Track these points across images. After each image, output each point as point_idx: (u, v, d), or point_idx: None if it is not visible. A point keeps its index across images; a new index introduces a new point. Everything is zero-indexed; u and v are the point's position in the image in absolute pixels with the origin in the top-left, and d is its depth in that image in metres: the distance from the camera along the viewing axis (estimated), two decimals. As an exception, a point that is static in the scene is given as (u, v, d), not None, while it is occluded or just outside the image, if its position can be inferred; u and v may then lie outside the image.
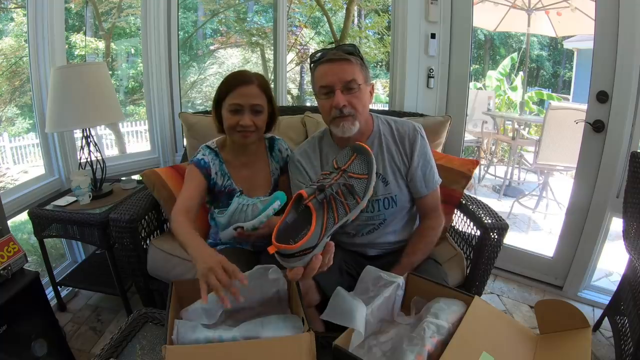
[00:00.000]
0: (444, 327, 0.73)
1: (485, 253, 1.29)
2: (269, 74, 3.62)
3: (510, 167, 3.66)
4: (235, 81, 1.16)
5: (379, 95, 4.95)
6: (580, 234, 1.83)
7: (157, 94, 2.14)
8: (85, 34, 3.80)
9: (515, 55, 4.84)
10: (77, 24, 3.83)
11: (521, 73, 4.82)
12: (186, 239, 0.97)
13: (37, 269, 1.97)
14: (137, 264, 1.42)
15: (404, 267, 1.07)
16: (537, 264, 2.01)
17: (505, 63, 4.78)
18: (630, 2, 1.52)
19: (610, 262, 2.04)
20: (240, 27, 4.72)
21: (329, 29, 4.75)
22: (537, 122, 3.88)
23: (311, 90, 1.17)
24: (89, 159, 1.71)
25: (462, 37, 2.00)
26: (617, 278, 1.87)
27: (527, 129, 3.99)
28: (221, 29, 4.68)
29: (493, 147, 4.33)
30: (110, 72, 2.83)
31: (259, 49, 4.59)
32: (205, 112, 1.88)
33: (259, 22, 4.77)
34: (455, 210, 1.54)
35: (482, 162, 4.06)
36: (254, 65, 4.65)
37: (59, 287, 1.79)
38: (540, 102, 4.76)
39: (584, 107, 1.81)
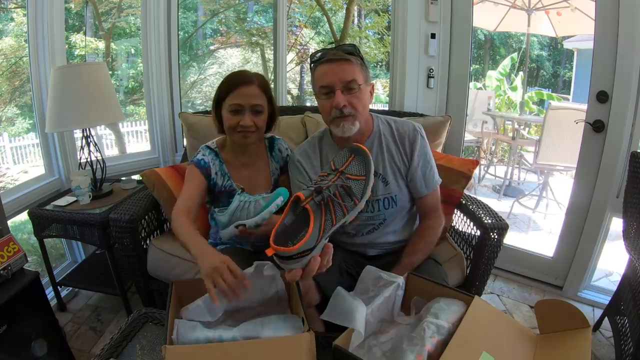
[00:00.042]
0: (444, 327, 0.73)
1: (485, 253, 1.29)
2: (269, 74, 3.62)
3: (510, 167, 3.66)
4: (235, 81, 1.16)
5: (379, 95, 4.95)
6: (580, 234, 1.83)
7: (157, 94, 2.14)
8: (85, 34, 3.80)
9: (515, 55, 4.84)
10: (77, 24, 3.83)
11: (521, 73, 4.82)
12: (188, 239, 0.98)
13: (37, 269, 1.97)
14: (137, 264, 1.42)
15: (404, 267, 1.07)
16: (537, 264, 2.01)
17: (505, 63, 4.78)
18: (630, 2, 1.52)
19: (610, 262, 2.04)
20: (240, 27, 4.72)
21: (329, 29, 4.75)
22: (537, 122, 3.88)
23: (311, 90, 1.18)
24: (89, 159, 1.71)
25: (462, 37, 2.00)
26: (617, 278, 1.87)
27: (527, 129, 3.99)
28: (221, 29, 4.68)
29: (493, 147, 4.33)
30: (110, 72, 2.83)
31: (259, 49, 4.59)
32: (205, 112, 1.87)
33: (259, 22, 4.77)
34: (455, 210, 1.54)
35: (482, 162, 4.06)
36: (254, 65, 4.65)
37: (59, 287, 1.79)
38: (540, 102, 4.76)
39: (584, 107, 1.81)
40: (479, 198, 1.51)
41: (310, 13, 4.91)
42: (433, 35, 2.01)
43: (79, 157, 1.77)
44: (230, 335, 0.74)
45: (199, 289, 0.84)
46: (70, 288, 1.90)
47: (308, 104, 3.79)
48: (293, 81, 5.14)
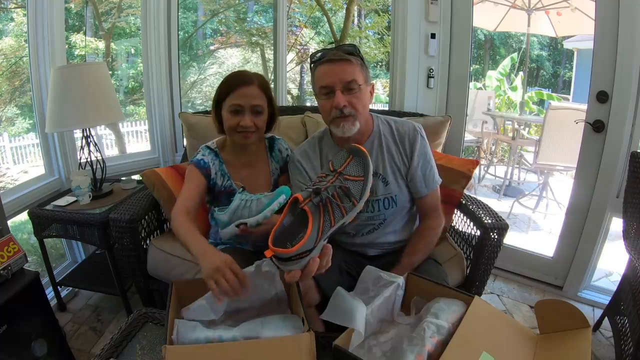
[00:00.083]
0: (444, 327, 0.73)
1: (485, 253, 1.29)
2: (269, 74, 3.62)
3: (510, 167, 3.66)
4: (235, 82, 1.16)
5: (379, 95, 4.95)
6: (580, 234, 1.83)
7: (157, 94, 2.14)
8: (85, 34, 3.80)
9: (515, 55, 4.84)
10: (77, 24, 3.82)
11: (521, 73, 4.82)
12: (188, 238, 0.98)
13: (37, 269, 1.97)
14: (137, 264, 1.42)
15: (404, 267, 1.07)
16: (537, 264, 2.01)
17: (505, 63, 4.78)
18: (630, 2, 1.52)
19: (610, 262, 2.04)
20: (240, 27, 4.72)
21: (329, 29, 4.75)
22: (537, 122, 3.88)
23: (311, 90, 1.18)
24: (89, 159, 1.71)
25: (462, 37, 2.00)
26: (617, 278, 1.87)
27: (527, 129, 3.99)
28: (221, 29, 4.68)
29: (493, 147, 4.33)
30: (110, 72, 2.83)
31: (259, 49, 4.59)
32: (205, 112, 1.87)
33: (259, 22, 4.77)
34: (455, 210, 1.54)
35: (482, 162, 4.06)
36: (254, 65, 4.65)
37: (59, 287, 1.79)
38: (540, 102, 4.76)
39: (584, 107, 1.81)
40: (479, 198, 1.51)
41: (310, 13, 4.91)
42: (433, 35, 2.01)
43: (79, 157, 1.77)
44: (230, 335, 0.74)
45: (199, 289, 0.84)
46: (70, 288, 1.90)
47: (308, 104, 3.79)
48: (293, 81, 5.14)
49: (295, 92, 5.19)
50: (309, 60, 1.14)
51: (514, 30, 4.81)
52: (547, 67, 6.72)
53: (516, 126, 3.76)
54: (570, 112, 2.62)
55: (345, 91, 1.04)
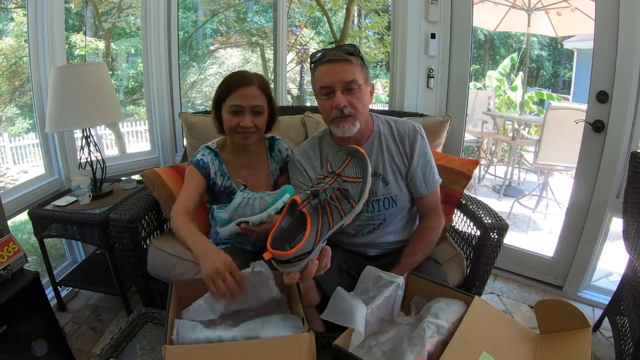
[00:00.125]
0: (444, 327, 0.73)
1: (485, 253, 1.29)
2: (269, 74, 3.62)
3: (510, 167, 3.66)
4: (235, 82, 1.16)
5: (379, 95, 4.95)
6: (580, 234, 1.83)
7: (157, 94, 2.14)
8: (85, 34, 3.80)
9: (515, 55, 4.84)
10: (77, 24, 3.82)
11: (521, 73, 4.82)
12: (188, 237, 0.98)
13: (37, 269, 1.97)
14: (137, 264, 1.42)
15: (404, 267, 1.07)
16: (537, 264, 2.01)
17: (505, 63, 4.78)
18: (630, 2, 1.52)
19: (610, 262, 2.04)
20: (240, 27, 4.72)
21: (329, 29, 4.75)
22: (537, 122, 3.88)
23: (311, 90, 1.18)
24: (89, 159, 1.71)
25: (462, 37, 2.00)
26: (617, 278, 1.87)
27: (527, 129, 3.99)
28: (221, 29, 4.68)
29: (493, 147, 4.33)
30: (110, 72, 2.83)
31: (259, 49, 4.59)
32: (205, 112, 1.88)
33: (259, 22, 4.77)
34: (455, 210, 1.54)
35: (482, 162, 4.06)
36: (254, 65, 4.65)
37: (59, 287, 1.79)
38: (540, 102, 4.76)
39: (584, 107, 1.81)
40: (479, 198, 1.51)
41: (310, 13, 4.91)
42: (433, 35, 2.01)
43: (79, 157, 1.77)
44: (230, 335, 0.74)
45: (199, 289, 0.84)
46: (70, 288, 1.90)
47: (308, 104, 3.79)
48: (293, 81, 5.14)
49: (295, 92, 5.19)
50: (309, 60, 1.14)
51: (514, 30, 4.81)
52: (547, 67, 6.73)
53: (516, 126, 3.76)
54: (570, 112, 2.62)
55: (346, 91, 1.04)
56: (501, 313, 0.82)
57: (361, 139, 1.14)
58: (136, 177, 2.14)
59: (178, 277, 1.35)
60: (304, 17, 4.95)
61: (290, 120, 1.83)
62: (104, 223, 1.52)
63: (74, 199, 1.68)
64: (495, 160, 4.27)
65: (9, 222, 1.48)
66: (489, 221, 1.30)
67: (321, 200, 0.71)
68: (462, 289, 1.21)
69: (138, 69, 3.86)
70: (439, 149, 1.81)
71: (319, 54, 1.10)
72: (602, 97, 1.66)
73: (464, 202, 1.49)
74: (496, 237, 1.28)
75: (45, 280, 1.74)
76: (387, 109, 2.27)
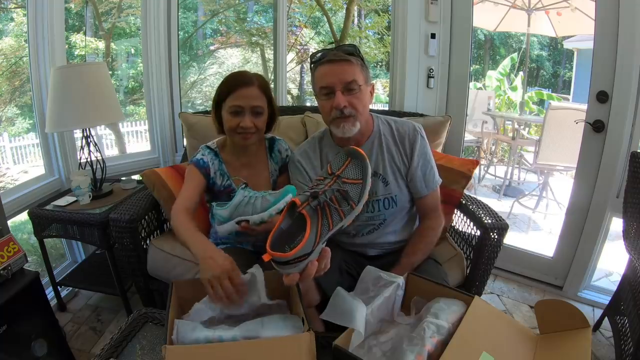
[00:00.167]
0: (444, 327, 0.73)
1: (485, 253, 1.29)
2: (269, 74, 3.62)
3: (510, 167, 3.66)
4: (235, 82, 1.16)
5: (379, 95, 4.95)
6: (580, 234, 1.83)
7: (157, 94, 2.14)
8: (85, 34, 3.80)
9: (515, 55, 4.84)
10: (77, 24, 3.83)
11: (521, 73, 4.82)
12: (188, 236, 0.98)
13: (37, 269, 1.97)
14: (137, 264, 1.42)
15: (404, 267, 1.07)
16: (537, 264, 2.01)
17: (505, 63, 4.79)
18: (630, 2, 1.52)
19: (610, 262, 2.04)
20: (240, 27, 4.72)
21: (329, 29, 4.75)
22: (537, 122, 3.88)
23: (311, 90, 1.17)
24: (89, 159, 1.71)
25: (462, 37, 2.00)
26: (617, 278, 1.87)
27: (527, 129, 3.99)
28: (221, 29, 4.68)
29: (493, 147, 4.33)
30: (110, 72, 2.83)
31: (259, 49, 4.59)
32: (205, 112, 1.88)
33: (259, 22, 4.77)
34: (455, 210, 1.54)
35: (482, 162, 4.06)
36: (254, 65, 4.65)
37: (59, 287, 1.79)
38: (540, 102, 4.76)
39: (584, 107, 1.81)
40: (479, 198, 1.51)
41: (310, 13, 4.91)
42: (433, 35, 2.01)
43: (79, 157, 1.77)
44: (230, 335, 0.74)
45: (199, 289, 0.85)
46: (70, 288, 1.90)
47: (308, 104, 3.79)
48: (293, 81, 5.14)
49: (295, 92, 5.19)
50: (309, 60, 1.14)
51: (514, 30, 4.81)
52: (547, 67, 6.73)
53: (516, 126, 3.76)
54: (570, 112, 2.62)
55: (346, 91, 1.04)
56: (501, 313, 0.82)
57: (361, 139, 1.14)
58: (136, 177, 2.14)
59: (178, 277, 1.35)
60: (304, 17, 4.95)
61: (290, 120, 1.83)
62: (104, 223, 1.52)
63: (74, 199, 1.68)
64: (495, 160, 4.27)
65: (9, 222, 1.48)
66: (489, 221, 1.30)
67: (321, 202, 0.71)
68: (462, 289, 1.21)
69: (138, 69, 3.86)
70: (439, 149, 1.81)
71: (319, 54, 1.10)
72: (602, 97, 1.66)
73: (464, 202, 1.49)
74: (496, 237, 1.28)
75: (45, 280, 1.74)
76: (387, 109, 2.27)
